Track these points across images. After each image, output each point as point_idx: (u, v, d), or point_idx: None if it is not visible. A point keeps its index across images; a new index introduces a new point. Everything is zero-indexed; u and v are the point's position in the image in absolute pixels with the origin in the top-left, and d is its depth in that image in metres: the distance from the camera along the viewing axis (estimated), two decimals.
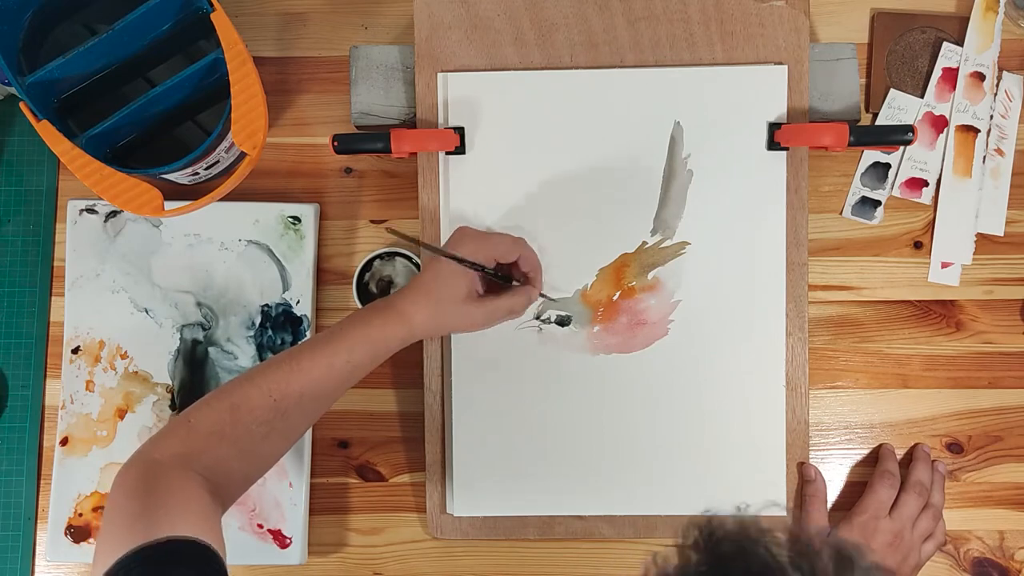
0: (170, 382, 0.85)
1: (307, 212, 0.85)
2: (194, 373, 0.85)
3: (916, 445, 0.84)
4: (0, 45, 0.75)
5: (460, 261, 0.73)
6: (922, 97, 0.87)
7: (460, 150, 0.82)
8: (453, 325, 0.75)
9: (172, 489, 0.62)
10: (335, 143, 0.80)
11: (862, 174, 0.87)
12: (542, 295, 0.80)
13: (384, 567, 0.85)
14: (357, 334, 0.71)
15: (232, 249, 0.85)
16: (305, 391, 0.68)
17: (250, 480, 0.70)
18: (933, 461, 0.83)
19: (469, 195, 0.83)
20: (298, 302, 0.85)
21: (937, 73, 0.86)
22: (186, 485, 0.63)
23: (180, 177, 0.82)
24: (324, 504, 0.85)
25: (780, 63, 0.82)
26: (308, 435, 0.84)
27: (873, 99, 0.87)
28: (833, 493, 0.85)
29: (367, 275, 0.85)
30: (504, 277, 0.77)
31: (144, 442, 0.67)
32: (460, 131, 0.82)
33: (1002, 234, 0.86)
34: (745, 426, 0.82)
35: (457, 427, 0.82)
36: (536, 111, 0.82)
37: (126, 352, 0.85)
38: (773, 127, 0.81)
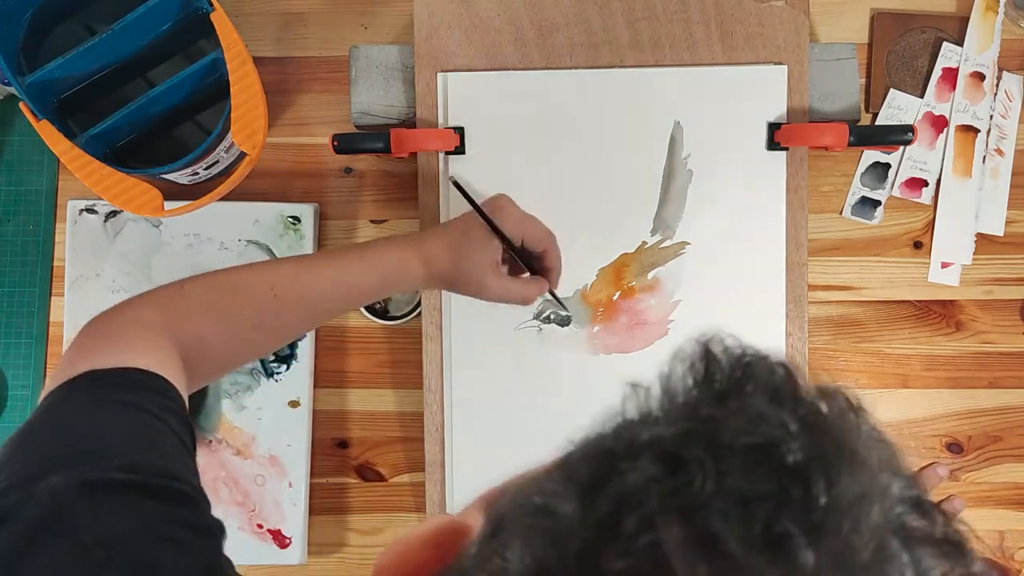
0: None
1: (307, 212, 0.85)
2: None
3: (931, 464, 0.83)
4: (0, 45, 0.75)
5: (499, 235, 0.72)
6: (922, 97, 0.87)
7: (460, 150, 0.82)
8: (465, 287, 0.73)
9: (138, 335, 0.58)
10: (335, 143, 0.80)
11: (862, 174, 0.86)
12: (551, 293, 0.78)
13: None
14: (375, 259, 0.69)
15: (232, 249, 0.85)
16: (307, 295, 0.67)
17: (224, 366, 0.68)
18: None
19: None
20: None
21: (937, 73, 0.86)
22: (158, 340, 0.58)
23: (180, 177, 0.82)
24: (324, 504, 0.85)
25: (780, 63, 0.81)
26: (308, 435, 0.84)
27: (873, 99, 0.87)
28: None
29: None
30: (525, 261, 0.76)
31: (128, 297, 0.62)
32: (460, 131, 0.82)
33: (1002, 234, 0.86)
34: None
35: (457, 427, 0.82)
36: (536, 111, 0.82)
37: None
38: (773, 127, 0.81)
